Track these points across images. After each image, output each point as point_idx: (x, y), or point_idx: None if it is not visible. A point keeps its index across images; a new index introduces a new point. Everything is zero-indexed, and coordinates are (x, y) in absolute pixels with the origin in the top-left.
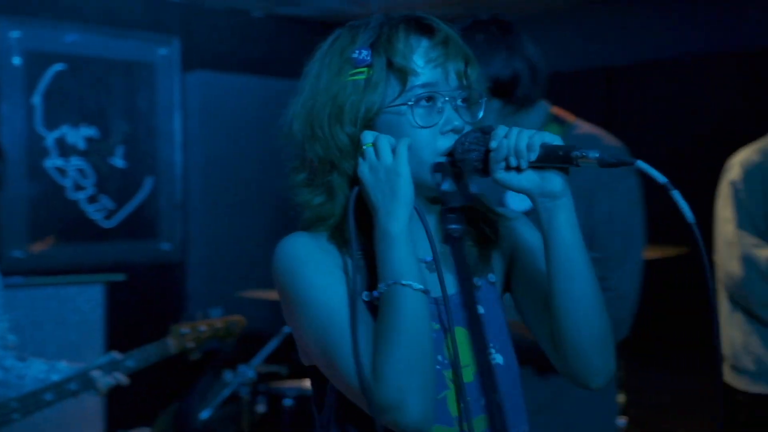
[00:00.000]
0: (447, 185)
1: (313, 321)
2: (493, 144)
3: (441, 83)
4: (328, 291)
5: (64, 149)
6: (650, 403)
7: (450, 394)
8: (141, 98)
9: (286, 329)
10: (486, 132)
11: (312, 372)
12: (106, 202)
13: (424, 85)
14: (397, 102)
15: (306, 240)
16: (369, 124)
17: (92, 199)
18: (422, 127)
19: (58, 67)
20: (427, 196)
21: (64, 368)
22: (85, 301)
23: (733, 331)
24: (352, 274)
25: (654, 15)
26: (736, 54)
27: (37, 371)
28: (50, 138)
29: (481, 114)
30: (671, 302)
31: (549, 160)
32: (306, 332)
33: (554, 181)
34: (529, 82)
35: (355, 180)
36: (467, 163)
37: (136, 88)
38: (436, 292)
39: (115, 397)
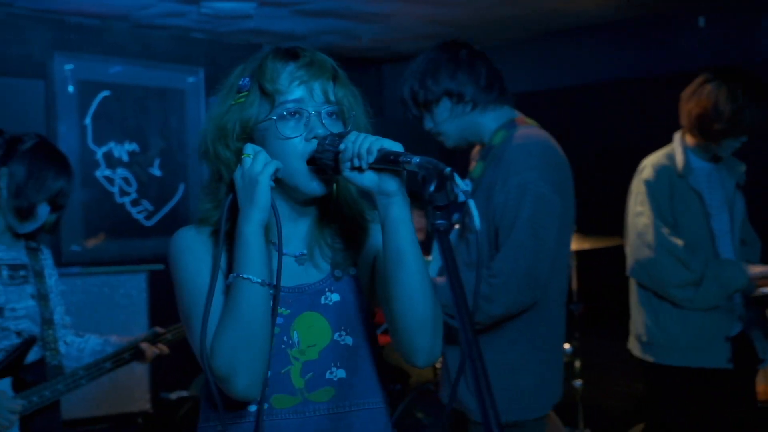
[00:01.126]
0: (432, 187)
1: (183, 298)
2: (341, 146)
3: (306, 99)
4: (197, 275)
5: (111, 162)
6: (604, 366)
7: (293, 369)
8: (173, 118)
9: None
10: (341, 136)
11: None
12: (146, 204)
13: (289, 101)
14: (266, 117)
15: (191, 233)
16: (247, 138)
17: (135, 203)
18: (287, 138)
19: (104, 93)
20: (300, 199)
21: (115, 342)
22: (132, 287)
23: (643, 311)
24: (216, 264)
25: (599, 42)
26: (646, 79)
27: (94, 344)
28: (99, 153)
29: (350, 126)
30: (621, 282)
31: (384, 162)
32: (179, 306)
33: (390, 181)
34: (475, 91)
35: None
36: (322, 161)
37: (169, 110)
38: (296, 281)
39: (158, 365)
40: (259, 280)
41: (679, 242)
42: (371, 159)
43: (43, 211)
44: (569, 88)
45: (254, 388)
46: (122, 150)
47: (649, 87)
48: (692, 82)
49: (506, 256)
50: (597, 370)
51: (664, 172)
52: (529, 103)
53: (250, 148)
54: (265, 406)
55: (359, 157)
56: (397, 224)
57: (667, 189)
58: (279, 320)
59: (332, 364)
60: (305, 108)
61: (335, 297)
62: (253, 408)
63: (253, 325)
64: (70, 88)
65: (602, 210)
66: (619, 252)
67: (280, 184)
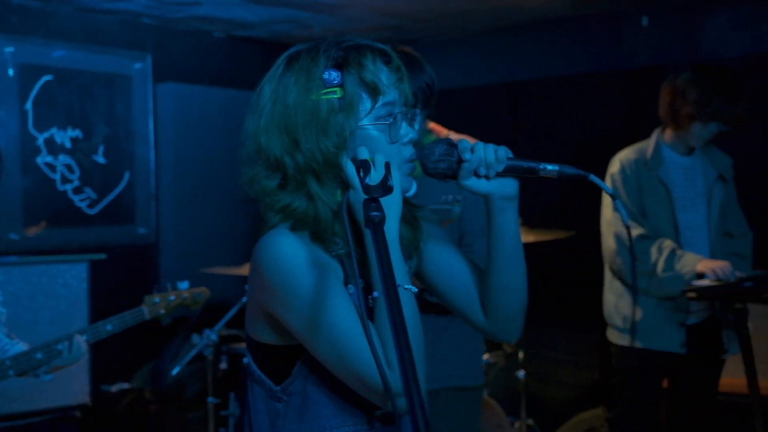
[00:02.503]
0: (369, 180)
1: (320, 321)
2: (467, 156)
3: (398, 102)
4: (330, 293)
5: (53, 148)
6: (547, 357)
7: None
8: (119, 105)
9: (244, 299)
10: (452, 145)
11: (273, 349)
12: (89, 192)
13: (387, 104)
14: (374, 120)
15: (292, 239)
16: (348, 138)
17: (78, 190)
18: (394, 143)
19: (47, 78)
20: None
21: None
22: (72, 277)
23: (610, 295)
24: (350, 273)
25: (551, 38)
26: (623, 72)
27: (18, 351)
28: (41, 138)
29: (417, 126)
30: (564, 275)
31: (514, 170)
32: (307, 329)
33: (511, 186)
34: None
35: (334, 187)
36: (439, 172)
37: (115, 96)
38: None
39: (98, 356)
40: (416, 289)
41: (638, 230)
42: (500, 168)
43: None
44: (520, 83)
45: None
46: (65, 136)
47: (596, 83)
48: (670, 75)
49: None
50: (541, 361)
51: (630, 164)
52: (480, 97)
53: (366, 153)
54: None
55: (488, 166)
56: (514, 225)
57: (634, 181)
58: None
59: None
60: (401, 112)
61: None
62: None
63: (420, 335)
64: (10, 72)
65: (547, 205)
66: (564, 245)
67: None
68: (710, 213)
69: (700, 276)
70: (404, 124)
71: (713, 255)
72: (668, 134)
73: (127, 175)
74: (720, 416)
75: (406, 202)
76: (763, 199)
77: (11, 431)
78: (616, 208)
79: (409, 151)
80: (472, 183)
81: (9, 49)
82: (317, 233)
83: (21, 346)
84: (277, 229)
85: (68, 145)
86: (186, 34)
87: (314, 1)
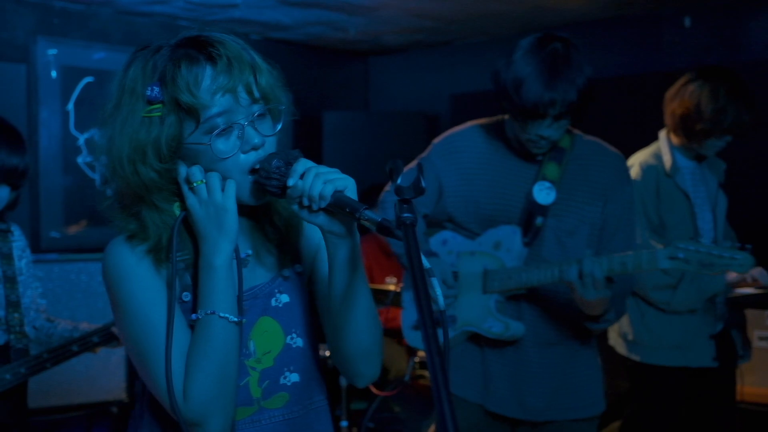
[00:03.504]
0: (400, 180)
1: (132, 331)
2: (290, 182)
3: (233, 107)
4: (146, 307)
5: (94, 148)
6: None
7: (251, 380)
8: None
9: None
10: (289, 163)
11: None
12: None
13: (216, 116)
14: (196, 139)
15: (126, 252)
16: (174, 155)
17: None
18: (225, 158)
19: (88, 79)
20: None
21: (84, 329)
22: None
23: (629, 311)
24: (171, 299)
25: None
26: (633, 77)
27: (62, 330)
28: (81, 139)
29: (279, 125)
30: None
31: (338, 208)
32: (127, 339)
33: (340, 225)
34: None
35: (167, 210)
36: (267, 188)
37: None
38: (247, 284)
39: None
40: (236, 319)
41: (659, 246)
42: (323, 204)
43: (2, 194)
44: None
45: (227, 427)
46: None
47: (635, 85)
48: (676, 82)
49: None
50: None
51: (651, 171)
52: None
53: (199, 174)
54: None
55: (311, 199)
56: (346, 264)
57: (653, 188)
58: None
59: (285, 369)
60: (236, 120)
61: (285, 298)
62: None
63: (229, 366)
64: (53, 74)
65: None
66: None
67: None
68: (717, 219)
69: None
70: (248, 131)
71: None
72: (675, 139)
73: None
74: (736, 428)
75: (281, 205)
76: (758, 205)
77: (49, 425)
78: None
79: (249, 159)
80: (299, 211)
81: (52, 51)
82: (150, 250)
83: (65, 325)
84: (115, 239)
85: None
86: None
87: (348, 3)
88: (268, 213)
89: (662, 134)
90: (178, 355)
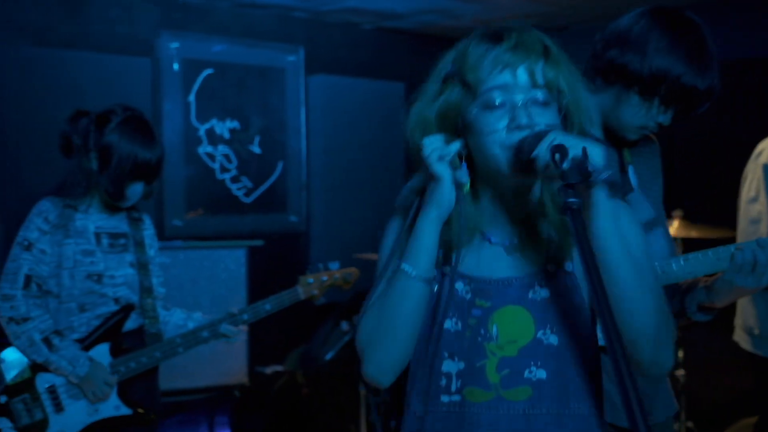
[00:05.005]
0: (566, 163)
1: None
2: (534, 153)
3: (511, 85)
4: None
5: (213, 138)
6: (704, 358)
7: (489, 363)
8: (273, 97)
9: None
10: (540, 137)
11: None
12: (246, 181)
13: (493, 89)
14: (470, 110)
15: (396, 221)
16: (452, 129)
17: (235, 179)
18: (490, 132)
19: (207, 71)
20: (510, 186)
21: (197, 317)
22: (232, 262)
23: (755, 304)
24: (399, 250)
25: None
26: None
27: (177, 319)
28: (202, 129)
29: (563, 113)
30: None
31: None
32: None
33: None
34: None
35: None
36: (521, 165)
37: (270, 88)
38: (504, 273)
39: (255, 338)
40: (415, 274)
41: None
42: (566, 166)
43: (135, 190)
44: None
45: (384, 377)
46: (224, 127)
47: (757, 69)
48: None
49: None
50: (700, 362)
51: None
52: None
53: (426, 140)
54: (458, 398)
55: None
56: (598, 231)
57: None
58: (477, 312)
59: (532, 363)
60: (510, 96)
61: (544, 293)
62: (445, 399)
63: (396, 318)
64: (175, 66)
65: (711, 198)
66: (724, 243)
67: (483, 171)
68: None
69: None
70: (519, 112)
71: None
72: None
73: (280, 165)
74: None
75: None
76: None
77: (175, 406)
78: None
79: (516, 137)
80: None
81: (174, 45)
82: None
83: (180, 313)
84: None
85: (227, 135)
86: (336, 26)
87: None
88: (543, 210)
89: None
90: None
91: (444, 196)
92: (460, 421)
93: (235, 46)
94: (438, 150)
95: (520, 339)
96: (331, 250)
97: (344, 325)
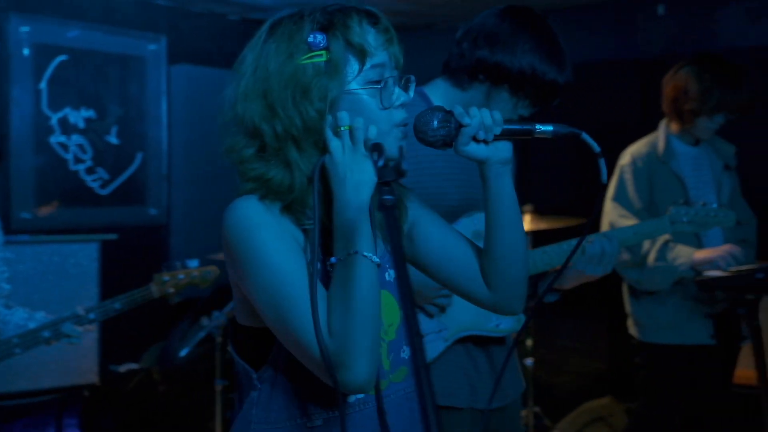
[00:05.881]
0: (381, 162)
1: (269, 283)
2: (466, 120)
3: (389, 66)
4: (284, 255)
5: (66, 128)
6: (554, 345)
7: (383, 351)
8: (133, 86)
9: None
10: (447, 112)
11: (250, 331)
12: (102, 173)
13: (376, 66)
14: (363, 84)
15: (259, 206)
16: (333, 102)
17: (90, 171)
18: (385, 108)
19: (61, 58)
20: None
21: (40, 317)
22: (84, 257)
23: (627, 292)
24: (311, 239)
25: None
26: (635, 61)
27: (18, 318)
28: (54, 118)
29: (411, 93)
30: None
31: (510, 133)
32: (259, 293)
33: (506, 149)
34: None
35: (314, 155)
36: (438, 139)
37: (129, 77)
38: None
39: (107, 336)
40: (378, 261)
41: (630, 222)
42: (498, 131)
43: None
44: None
45: (372, 377)
46: (78, 116)
47: (611, 71)
48: (671, 68)
49: None
50: (549, 349)
51: (642, 158)
52: None
53: (347, 118)
54: (362, 395)
55: (487, 130)
56: (510, 189)
57: (645, 175)
58: None
59: (403, 343)
60: (392, 74)
61: (393, 273)
62: (351, 399)
63: (374, 307)
64: (25, 51)
65: (558, 192)
66: (575, 233)
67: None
68: (720, 202)
69: (698, 266)
70: (397, 89)
71: (727, 243)
72: (674, 126)
73: (139, 156)
74: (731, 408)
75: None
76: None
77: (18, 409)
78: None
79: (400, 115)
80: (471, 149)
81: (24, 29)
82: (289, 204)
83: (21, 313)
84: (245, 196)
85: (81, 125)
86: (200, 16)
87: None
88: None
89: (662, 123)
90: (321, 301)
91: (374, 173)
92: (372, 417)
93: (92, 32)
94: (360, 125)
95: (394, 321)
96: (193, 242)
97: (204, 321)
